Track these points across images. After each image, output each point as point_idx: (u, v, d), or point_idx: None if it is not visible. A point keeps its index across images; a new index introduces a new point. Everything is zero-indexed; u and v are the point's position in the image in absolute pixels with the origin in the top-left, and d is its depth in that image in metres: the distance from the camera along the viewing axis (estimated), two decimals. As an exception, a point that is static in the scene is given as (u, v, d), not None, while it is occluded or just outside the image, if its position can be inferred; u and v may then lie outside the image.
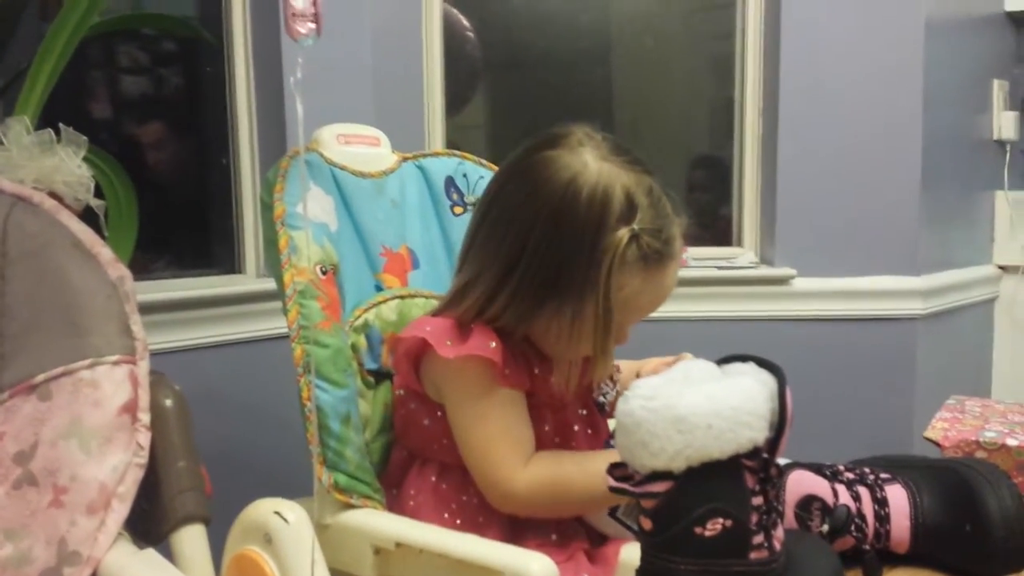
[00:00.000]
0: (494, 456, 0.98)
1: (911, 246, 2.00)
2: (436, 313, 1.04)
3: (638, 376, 1.05)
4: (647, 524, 0.66)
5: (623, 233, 0.94)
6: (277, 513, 0.90)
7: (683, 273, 1.91)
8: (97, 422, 0.91)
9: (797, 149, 1.97)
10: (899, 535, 0.85)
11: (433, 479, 1.03)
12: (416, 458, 1.06)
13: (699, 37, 2.22)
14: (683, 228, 1.00)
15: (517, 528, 1.00)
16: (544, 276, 0.96)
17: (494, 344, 0.97)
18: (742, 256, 2.06)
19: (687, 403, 0.64)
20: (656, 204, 0.97)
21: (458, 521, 1.01)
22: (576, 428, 1.05)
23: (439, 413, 1.02)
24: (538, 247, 0.96)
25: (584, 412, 1.07)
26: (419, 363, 1.02)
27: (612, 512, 0.98)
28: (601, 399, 1.09)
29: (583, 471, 0.99)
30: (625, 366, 1.16)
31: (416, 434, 1.06)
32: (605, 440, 1.08)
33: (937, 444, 1.07)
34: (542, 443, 1.02)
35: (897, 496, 0.86)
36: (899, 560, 0.85)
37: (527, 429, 1.00)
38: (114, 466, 0.91)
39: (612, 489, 0.67)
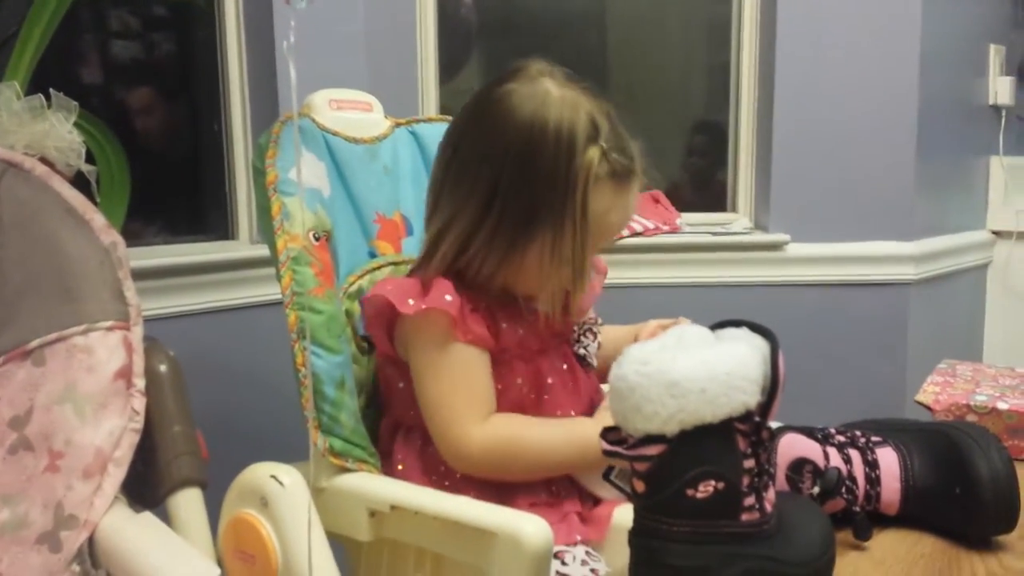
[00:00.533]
0: (448, 412, 0.99)
1: (905, 211, 2.00)
2: (412, 270, 1.05)
3: (636, 340, 1.06)
4: (640, 486, 0.67)
5: (594, 151, 0.97)
6: (273, 477, 0.91)
7: (678, 238, 1.95)
8: (91, 388, 0.92)
9: (792, 115, 1.96)
10: (889, 497, 0.86)
11: (419, 444, 1.04)
12: (402, 425, 1.07)
13: (695, 1, 2.20)
14: (640, 149, 1.03)
15: (506, 489, 1.00)
16: (522, 208, 0.97)
17: (450, 297, 0.98)
18: (737, 222, 2.06)
19: (681, 368, 0.64)
20: (616, 125, 1.01)
21: (446, 483, 1.01)
22: (551, 381, 1.05)
23: (412, 376, 1.03)
24: (512, 181, 0.97)
25: (565, 367, 1.07)
26: (392, 326, 1.03)
27: (606, 475, 0.99)
28: (582, 351, 1.09)
29: (541, 436, 1.00)
30: (624, 330, 1.16)
31: (394, 399, 1.07)
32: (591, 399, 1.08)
33: (928, 408, 1.08)
34: (515, 398, 1.03)
35: (888, 459, 0.86)
36: (889, 522, 0.86)
37: (487, 387, 1.01)
38: (110, 431, 0.91)
39: (605, 452, 0.68)
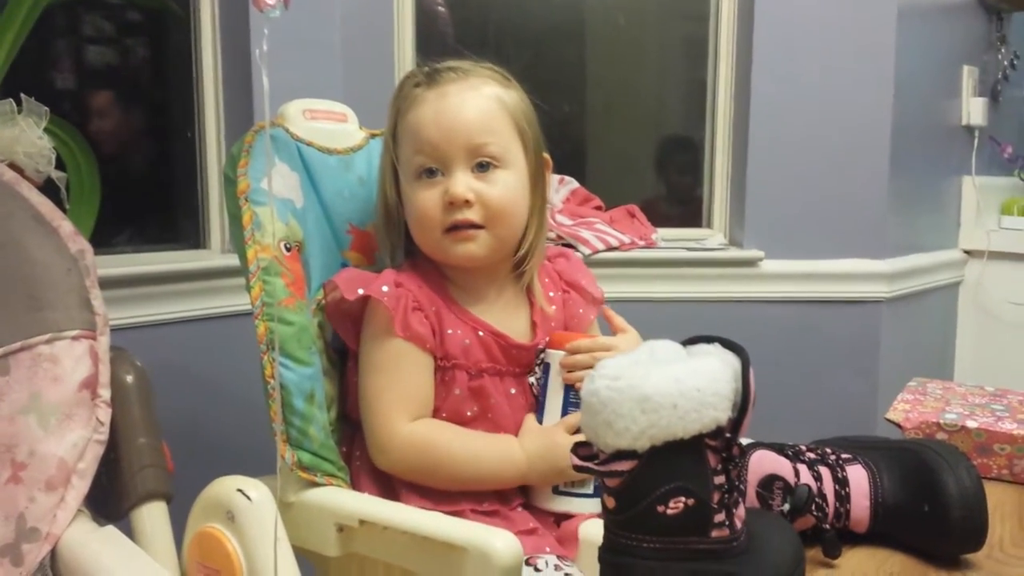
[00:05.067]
0: (377, 406, 1.02)
1: (878, 230, 2.01)
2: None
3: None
4: (610, 502, 0.67)
5: (411, 75, 1.09)
6: (240, 491, 0.90)
7: (653, 254, 1.95)
8: (56, 398, 0.90)
9: (768, 132, 1.97)
10: (859, 514, 0.86)
11: None
12: (359, 426, 1.07)
13: (673, 18, 2.22)
14: (491, 71, 1.09)
15: (451, 494, 1.01)
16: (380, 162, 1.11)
17: (387, 288, 1.01)
18: (711, 238, 2.06)
19: (652, 383, 0.64)
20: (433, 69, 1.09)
21: (392, 486, 1.02)
22: (494, 402, 1.05)
23: None
24: (381, 157, 1.11)
25: (514, 391, 1.07)
26: (359, 323, 1.05)
27: (556, 488, 1.01)
28: (532, 380, 1.09)
29: (464, 446, 1.02)
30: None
31: (351, 396, 1.08)
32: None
33: (898, 425, 1.08)
34: (453, 409, 1.04)
35: (857, 476, 0.86)
36: (858, 539, 0.86)
37: (419, 387, 1.02)
38: (74, 442, 0.90)
39: (576, 468, 0.68)
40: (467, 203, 1.02)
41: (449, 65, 1.07)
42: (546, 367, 1.07)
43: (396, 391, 1.01)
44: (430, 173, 1.04)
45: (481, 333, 1.05)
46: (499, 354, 1.06)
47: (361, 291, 1.02)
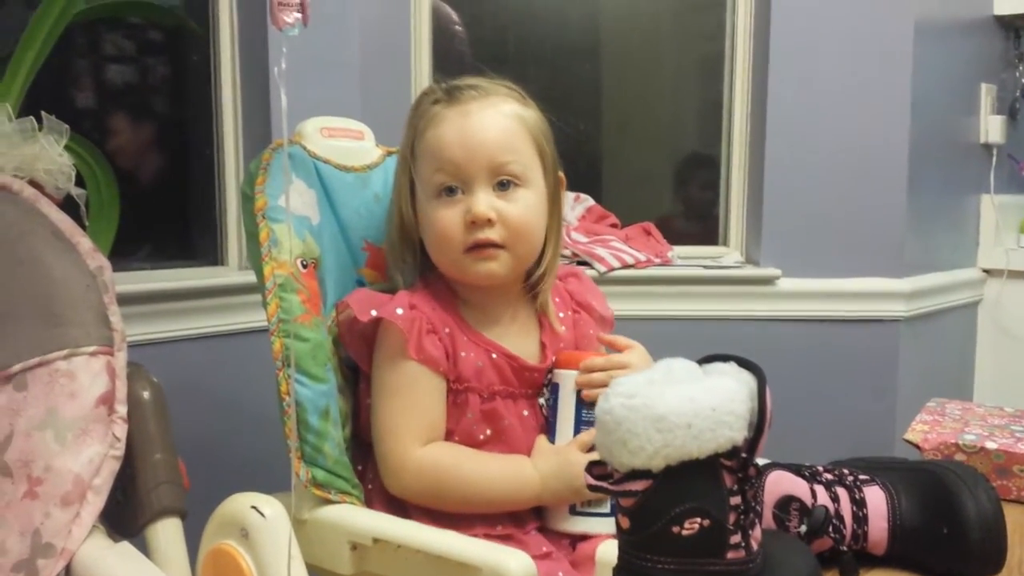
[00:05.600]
0: (392, 428, 1.01)
1: (896, 248, 2.00)
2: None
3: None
4: (625, 522, 0.66)
5: (430, 91, 1.08)
6: (254, 507, 0.90)
7: (669, 271, 1.94)
8: (73, 413, 0.91)
9: (784, 150, 1.97)
10: (877, 536, 0.85)
11: None
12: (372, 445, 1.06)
13: (689, 36, 2.22)
14: (510, 89, 1.09)
15: (464, 518, 1.00)
16: (395, 178, 1.10)
17: (401, 311, 1.01)
18: (728, 256, 2.06)
19: (667, 402, 0.64)
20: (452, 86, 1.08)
21: (405, 508, 1.02)
22: (507, 423, 1.05)
23: None
24: (397, 174, 1.10)
25: (526, 413, 1.07)
26: (372, 344, 1.05)
27: (572, 509, 1.00)
28: (542, 402, 1.08)
29: (477, 469, 1.01)
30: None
31: (364, 417, 1.07)
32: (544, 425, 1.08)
33: (917, 446, 1.07)
34: (466, 432, 1.03)
35: (875, 498, 0.86)
36: (876, 561, 0.86)
37: (432, 410, 1.02)
38: (90, 458, 0.90)
39: (590, 487, 0.67)
40: (489, 222, 1.02)
41: (468, 83, 1.07)
42: (554, 387, 1.06)
43: (409, 415, 1.01)
44: (450, 191, 1.03)
45: (494, 356, 1.05)
46: (512, 376, 1.05)
47: (374, 312, 1.01)
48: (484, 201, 1.02)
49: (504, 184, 1.03)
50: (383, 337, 1.03)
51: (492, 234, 1.02)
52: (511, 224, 1.03)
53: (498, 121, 1.04)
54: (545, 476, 1.01)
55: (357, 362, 1.07)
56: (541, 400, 1.08)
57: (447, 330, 1.04)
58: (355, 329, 1.04)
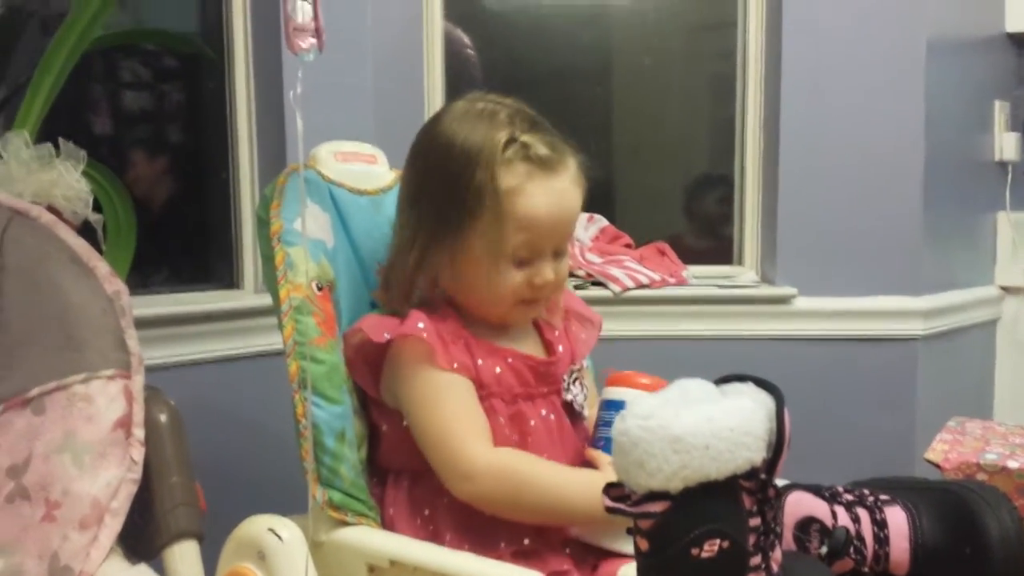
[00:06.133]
0: (449, 436, 0.98)
1: (913, 266, 1.99)
2: (387, 311, 1.07)
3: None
4: (643, 544, 0.66)
5: (502, 134, 1.00)
6: (271, 530, 0.90)
7: (684, 291, 1.94)
8: (90, 437, 0.91)
9: (798, 169, 1.96)
10: (898, 557, 0.84)
11: (406, 486, 1.03)
12: (390, 470, 1.06)
13: (700, 56, 2.22)
14: (576, 158, 1.05)
15: (488, 534, 0.98)
16: (439, 208, 1.02)
17: (422, 324, 1.00)
18: (743, 275, 2.05)
19: (684, 423, 0.63)
20: (537, 120, 1.04)
21: (431, 527, 1.00)
22: (533, 423, 1.04)
23: (395, 419, 1.03)
24: (433, 188, 1.03)
25: (551, 415, 1.06)
26: (376, 367, 1.04)
27: (630, 530, 0.97)
28: (569, 398, 1.09)
29: (555, 477, 0.98)
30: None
31: (380, 444, 1.07)
32: (591, 440, 1.07)
33: (937, 466, 1.06)
34: (499, 439, 1.01)
35: (897, 518, 0.85)
36: (899, 583, 0.85)
37: (482, 415, 1.01)
38: (107, 481, 0.90)
39: (608, 509, 0.67)
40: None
41: (547, 138, 1.03)
42: (614, 404, 1.04)
43: (465, 419, 0.99)
44: (523, 261, 1.03)
45: (510, 360, 1.05)
46: (530, 377, 1.06)
47: (387, 335, 1.00)
48: (552, 270, 1.05)
49: (560, 252, 1.06)
50: (406, 355, 1.01)
51: (546, 292, 1.06)
52: (559, 284, 1.07)
53: (577, 198, 1.05)
54: None
55: (363, 388, 1.06)
56: (584, 410, 1.09)
57: (462, 341, 1.04)
58: (362, 353, 1.04)
